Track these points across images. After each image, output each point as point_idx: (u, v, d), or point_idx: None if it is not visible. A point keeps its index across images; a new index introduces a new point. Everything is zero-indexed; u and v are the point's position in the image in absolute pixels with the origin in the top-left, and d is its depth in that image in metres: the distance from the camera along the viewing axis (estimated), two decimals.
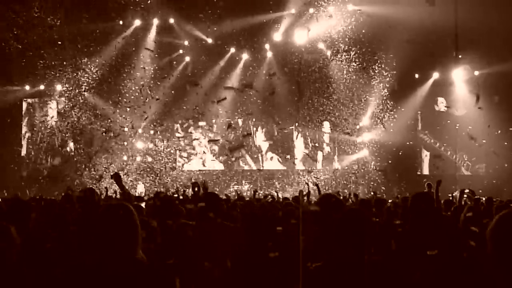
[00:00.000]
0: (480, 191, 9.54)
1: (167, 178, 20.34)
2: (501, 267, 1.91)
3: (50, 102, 20.14)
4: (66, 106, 19.79)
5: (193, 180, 8.10)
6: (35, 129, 20.25)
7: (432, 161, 21.24)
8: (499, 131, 19.79)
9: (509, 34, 17.32)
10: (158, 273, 2.87)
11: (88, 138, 19.75)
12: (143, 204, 7.79)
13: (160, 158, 20.54)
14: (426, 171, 21.53)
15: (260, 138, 21.65)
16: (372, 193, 14.39)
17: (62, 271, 3.55)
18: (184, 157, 21.36)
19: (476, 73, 20.05)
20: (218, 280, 4.38)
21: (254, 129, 21.50)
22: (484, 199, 8.84)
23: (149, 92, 19.92)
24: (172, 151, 20.91)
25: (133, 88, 19.85)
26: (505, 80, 18.94)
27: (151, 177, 20.20)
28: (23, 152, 20.46)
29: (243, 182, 20.84)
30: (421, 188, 11.86)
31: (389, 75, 19.71)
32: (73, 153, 19.99)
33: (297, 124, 20.87)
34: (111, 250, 2.92)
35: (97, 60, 19.40)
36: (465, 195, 8.14)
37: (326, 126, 20.95)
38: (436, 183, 6.28)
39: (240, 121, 21.38)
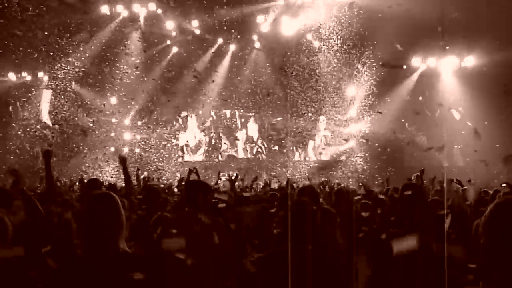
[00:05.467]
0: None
1: (162, 168, 20.18)
2: (494, 256, 1.91)
3: (36, 93, 19.84)
4: (52, 97, 19.55)
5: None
6: (20, 118, 19.86)
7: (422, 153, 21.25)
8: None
9: (498, 25, 17.28)
10: (141, 264, 2.82)
11: (72, 129, 19.55)
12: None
13: (150, 149, 20.42)
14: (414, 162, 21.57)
15: (250, 129, 21.67)
16: (360, 184, 14.36)
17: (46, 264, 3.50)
18: (176, 148, 21.29)
19: (463, 64, 20.09)
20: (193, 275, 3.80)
21: (242, 120, 21.49)
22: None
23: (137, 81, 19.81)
24: (162, 142, 20.79)
25: (121, 79, 19.67)
26: (493, 71, 18.87)
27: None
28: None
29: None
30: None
31: (376, 67, 19.75)
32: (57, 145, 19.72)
33: (288, 114, 20.91)
34: (94, 241, 2.87)
35: (84, 50, 19.18)
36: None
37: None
38: (419, 172, 6.67)
39: (228, 113, 21.37)
